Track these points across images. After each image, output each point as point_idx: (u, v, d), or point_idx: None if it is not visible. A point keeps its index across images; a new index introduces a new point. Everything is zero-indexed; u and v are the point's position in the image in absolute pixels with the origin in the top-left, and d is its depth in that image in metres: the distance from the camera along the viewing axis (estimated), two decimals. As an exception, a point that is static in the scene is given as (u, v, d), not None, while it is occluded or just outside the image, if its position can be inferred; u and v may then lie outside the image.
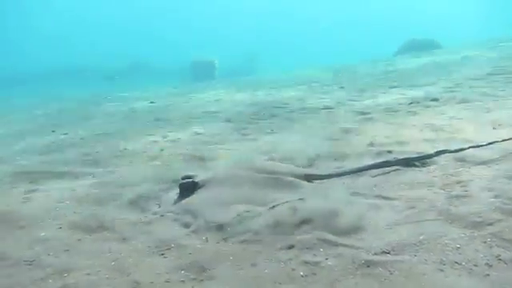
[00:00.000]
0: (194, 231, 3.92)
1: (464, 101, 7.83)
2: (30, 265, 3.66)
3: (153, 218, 4.35)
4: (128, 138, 8.90)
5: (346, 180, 4.50)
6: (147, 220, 4.32)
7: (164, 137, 8.66)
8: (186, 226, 4.06)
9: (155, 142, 8.34)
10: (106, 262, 3.57)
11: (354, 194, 4.17)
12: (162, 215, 4.34)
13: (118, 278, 3.30)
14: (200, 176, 4.60)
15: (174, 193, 4.79)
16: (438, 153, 4.63)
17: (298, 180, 4.47)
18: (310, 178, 4.57)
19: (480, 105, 7.38)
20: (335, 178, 4.57)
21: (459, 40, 24.28)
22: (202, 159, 6.49)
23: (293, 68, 24.12)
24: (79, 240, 4.10)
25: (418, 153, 4.94)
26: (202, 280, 3.14)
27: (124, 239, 3.99)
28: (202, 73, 28.84)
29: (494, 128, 5.77)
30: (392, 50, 24.70)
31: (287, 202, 4.13)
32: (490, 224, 3.21)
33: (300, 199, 4.16)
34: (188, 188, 4.49)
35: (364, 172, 4.65)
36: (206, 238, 3.75)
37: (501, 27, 28.09)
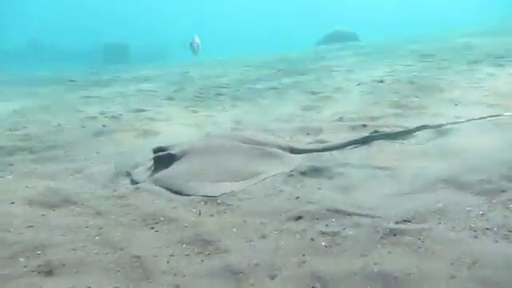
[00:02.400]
0: (182, 204, 3.53)
1: (412, 82, 8.00)
2: (-13, 243, 3.09)
3: (126, 191, 3.90)
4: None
5: (334, 153, 4.32)
6: (120, 194, 3.87)
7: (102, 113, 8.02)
8: (169, 199, 3.66)
9: (93, 117, 7.69)
10: (87, 237, 3.11)
11: (347, 165, 3.99)
12: (136, 188, 3.90)
13: (112, 252, 2.86)
14: (176, 147, 4.20)
15: (144, 168, 4.34)
16: (419, 128, 4.61)
17: (284, 152, 4.22)
18: (295, 151, 4.33)
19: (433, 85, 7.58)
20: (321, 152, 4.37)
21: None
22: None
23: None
24: (43, 215, 3.57)
25: (395, 127, 4.91)
26: (209, 254, 2.80)
27: (99, 213, 3.53)
28: (115, 56, 27.32)
29: (455, 104, 5.89)
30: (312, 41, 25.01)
31: (277, 174, 3.89)
32: (504, 191, 3.15)
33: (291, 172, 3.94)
34: (164, 161, 4.07)
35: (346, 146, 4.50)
36: (199, 211, 3.40)
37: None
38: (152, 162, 4.26)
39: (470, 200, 3.11)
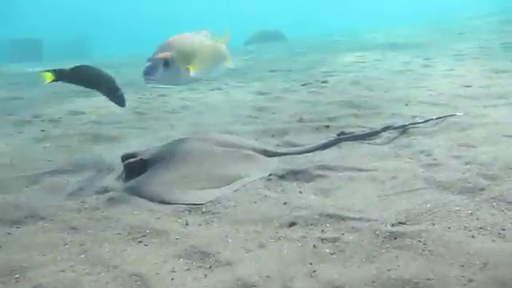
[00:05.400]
0: (165, 214, 3.36)
1: (356, 83, 8.21)
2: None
3: (98, 203, 3.66)
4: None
5: (308, 155, 4.31)
6: (92, 206, 3.61)
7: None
8: (149, 209, 3.48)
9: (29, 121, 7.17)
10: (70, 256, 2.88)
11: (324, 167, 4.00)
12: (109, 199, 3.66)
13: (106, 271, 2.66)
14: (146, 153, 3.99)
15: (112, 176, 4.10)
16: (384, 129, 4.72)
17: (260, 155, 4.15)
18: (268, 154, 4.27)
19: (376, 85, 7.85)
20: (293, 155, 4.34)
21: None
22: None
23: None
24: (9, 234, 3.26)
25: (359, 127, 5.03)
26: (210, 267, 2.68)
27: (74, 228, 3.28)
28: (25, 53, 25.21)
29: (406, 105, 6.12)
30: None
31: (260, 178, 3.82)
32: (483, 189, 3.26)
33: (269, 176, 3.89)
34: (137, 168, 3.86)
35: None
36: (186, 221, 3.25)
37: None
38: (120, 169, 4.02)
39: (454, 200, 3.19)
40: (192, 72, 4.09)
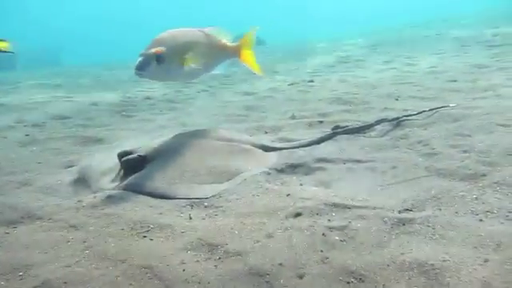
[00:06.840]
0: (166, 209, 3.30)
1: (342, 81, 8.27)
2: (-48, 269, 2.67)
3: (96, 201, 3.56)
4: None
5: (306, 149, 4.30)
6: (90, 204, 3.52)
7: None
8: (149, 205, 3.41)
9: (12, 127, 6.99)
10: (75, 252, 2.80)
11: (322, 160, 3.99)
12: (108, 196, 3.57)
13: (114, 265, 2.60)
14: (144, 149, 3.92)
15: (109, 174, 4.01)
16: (378, 121, 4.74)
17: (258, 149, 4.13)
18: (266, 149, 4.24)
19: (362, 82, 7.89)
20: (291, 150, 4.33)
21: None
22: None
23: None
24: (7, 233, 3.16)
25: (351, 122, 5.04)
26: (219, 258, 2.64)
27: (74, 226, 3.19)
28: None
29: (396, 99, 6.18)
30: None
31: (260, 172, 3.79)
32: (484, 175, 3.31)
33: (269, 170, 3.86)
34: (135, 164, 3.78)
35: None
36: (189, 215, 3.19)
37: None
38: (117, 167, 3.94)
39: (458, 186, 3.23)
40: (187, 68, 3.99)
